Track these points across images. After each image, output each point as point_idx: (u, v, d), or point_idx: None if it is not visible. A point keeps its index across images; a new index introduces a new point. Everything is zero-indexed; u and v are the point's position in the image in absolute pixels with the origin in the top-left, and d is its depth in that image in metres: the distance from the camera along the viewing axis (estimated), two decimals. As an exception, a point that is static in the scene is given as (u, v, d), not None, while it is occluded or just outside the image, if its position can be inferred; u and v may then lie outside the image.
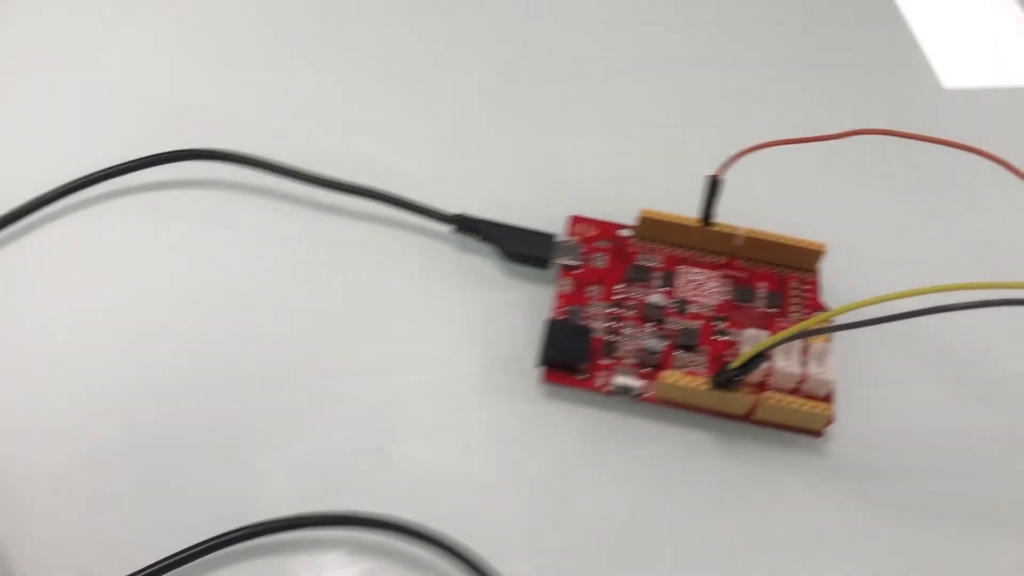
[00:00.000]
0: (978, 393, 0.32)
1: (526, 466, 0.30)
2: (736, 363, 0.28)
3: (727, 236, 0.34)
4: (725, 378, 0.29)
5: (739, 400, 0.30)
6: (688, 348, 0.32)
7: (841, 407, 0.31)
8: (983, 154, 0.28)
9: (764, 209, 0.36)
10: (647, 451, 0.30)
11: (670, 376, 0.30)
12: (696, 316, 0.33)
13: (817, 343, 0.31)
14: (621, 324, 0.32)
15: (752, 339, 0.31)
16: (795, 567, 0.29)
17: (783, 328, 0.32)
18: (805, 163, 0.38)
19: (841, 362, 0.32)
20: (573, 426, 0.31)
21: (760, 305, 0.33)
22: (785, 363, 0.31)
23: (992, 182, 0.30)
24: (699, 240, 0.34)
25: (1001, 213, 0.38)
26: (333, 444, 0.30)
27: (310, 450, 0.30)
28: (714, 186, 0.32)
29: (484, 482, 0.30)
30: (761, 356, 0.28)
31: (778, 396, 0.30)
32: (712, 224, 0.34)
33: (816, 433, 0.30)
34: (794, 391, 0.31)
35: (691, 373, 0.31)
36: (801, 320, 0.33)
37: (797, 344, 0.31)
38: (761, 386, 0.31)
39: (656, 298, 0.32)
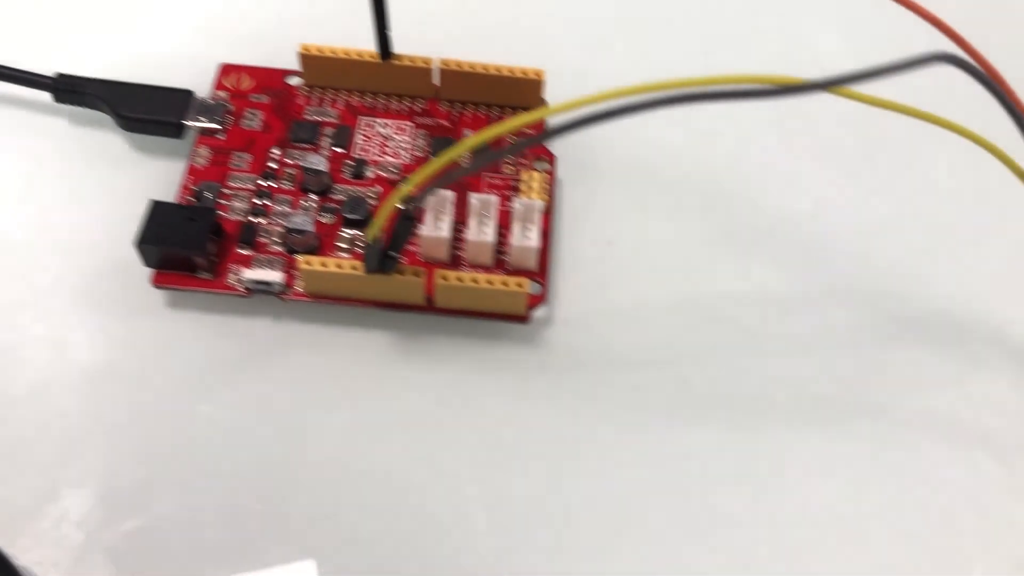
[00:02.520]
0: (742, 250, 0.25)
1: (142, 401, 0.22)
2: (370, 232, 0.20)
3: (419, 72, 0.25)
4: (373, 256, 0.21)
5: (408, 285, 0.22)
6: (359, 223, 0.24)
7: (564, 281, 0.24)
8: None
9: (467, 32, 0.28)
10: (304, 362, 0.23)
11: (310, 262, 0.22)
12: (376, 181, 0.25)
13: (527, 200, 0.23)
14: (271, 201, 0.24)
15: (435, 203, 0.23)
16: (500, 483, 0.22)
17: (495, 189, 0.25)
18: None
19: (566, 222, 0.25)
20: (202, 342, 0.23)
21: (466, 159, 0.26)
22: (478, 230, 0.23)
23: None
24: (385, 81, 0.26)
25: None
26: None
27: None
28: (378, 4, 0.24)
29: (83, 424, 0.22)
30: (408, 219, 0.20)
31: (457, 275, 0.22)
32: (394, 57, 0.25)
33: (521, 318, 0.23)
34: (496, 266, 0.24)
35: (357, 256, 0.24)
36: (523, 178, 0.25)
37: (493, 203, 0.23)
38: (454, 263, 0.24)
39: (316, 160, 0.24)
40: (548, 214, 0.25)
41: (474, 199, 0.24)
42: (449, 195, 0.24)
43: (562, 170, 0.26)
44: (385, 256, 0.21)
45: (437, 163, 0.18)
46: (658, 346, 0.24)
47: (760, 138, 0.27)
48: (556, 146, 0.26)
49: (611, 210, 0.26)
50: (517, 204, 0.23)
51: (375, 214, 0.21)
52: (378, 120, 0.26)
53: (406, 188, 0.19)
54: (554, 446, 0.22)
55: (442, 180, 0.20)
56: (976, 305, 0.25)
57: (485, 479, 0.22)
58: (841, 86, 0.17)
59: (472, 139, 0.18)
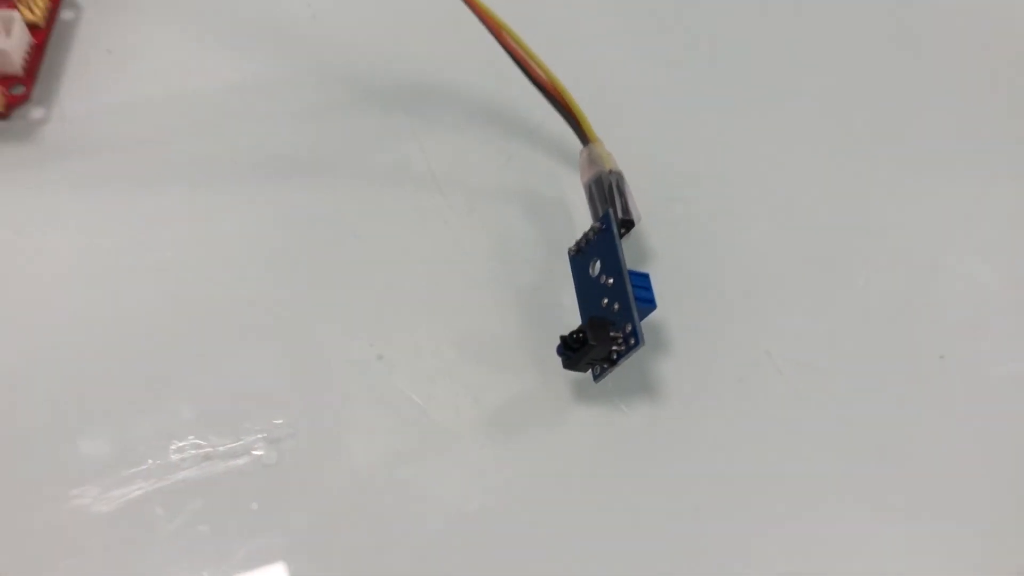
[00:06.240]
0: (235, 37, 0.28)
1: None
2: None
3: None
4: None
5: None
6: None
7: (70, 86, 0.27)
8: None
9: None
10: None
11: None
12: None
13: (6, 11, 0.26)
14: None
15: None
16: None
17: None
18: None
19: (77, 40, 0.28)
20: None
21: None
22: None
23: None
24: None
25: None
26: None
27: None
28: None
29: None
30: None
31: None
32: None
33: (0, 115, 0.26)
34: None
35: None
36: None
37: None
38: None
39: None
40: (45, 31, 0.27)
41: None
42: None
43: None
44: None
45: None
46: (149, 134, 0.26)
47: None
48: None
49: (129, 31, 0.28)
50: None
51: None
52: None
53: None
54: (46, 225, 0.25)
55: None
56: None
57: None
58: None
59: None
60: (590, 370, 0.23)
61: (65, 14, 0.29)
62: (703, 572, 0.21)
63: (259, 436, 0.22)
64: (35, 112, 0.27)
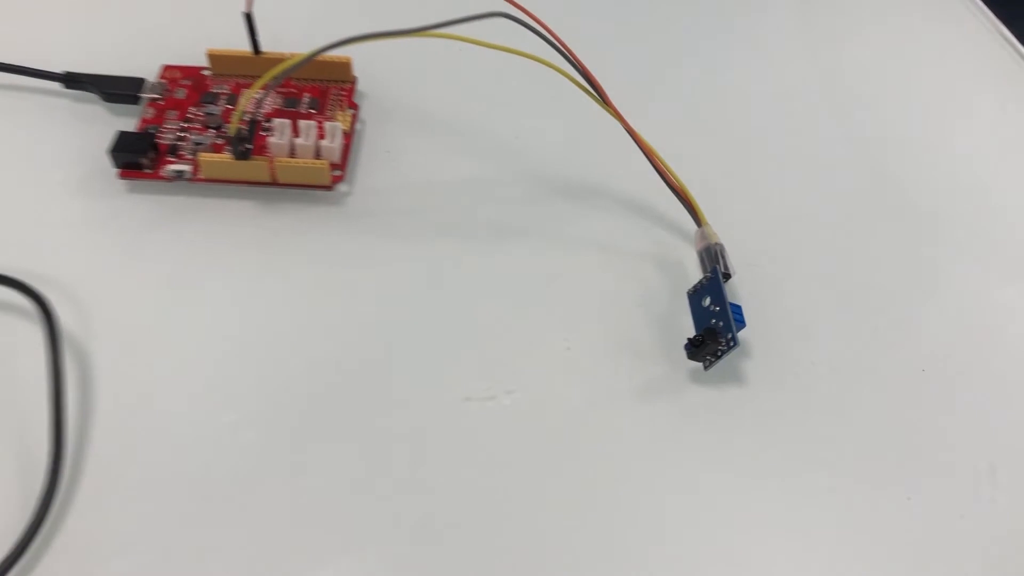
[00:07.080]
0: (466, 147, 0.42)
1: (110, 245, 0.38)
2: (231, 130, 0.38)
3: (278, 61, 0.43)
4: (236, 148, 0.39)
5: (258, 167, 0.39)
6: (241, 140, 0.40)
7: (362, 172, 0.41)
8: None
9: (307, 35, 0.40)
10: (206, 220, 0.39)
11: (205, 156, 0.40)
12: (249, 122, 0.42)
13: (332, 124, 0.40)
14: (188, 133, 0.42)
15: (278, 126, 0.40)
16: (320, 286, 0.38)
17: (322, 121, 0.42)
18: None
19: (365, 143, 0.42)
20: (148, 209, 0.40)
21: (303, 109, 0.43)
22: (303, 139, 0.40)
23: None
24: (259, 68, 0.44)
25: None
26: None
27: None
28: (248, 20, 0.42)
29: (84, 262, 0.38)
30: (253, 122, 0.38)
31: (285, 159, 0.40)
32: (262, 52, 0.43)
33: (327, 187, 0.40)
34: (316, 159, 0.40)
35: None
36: (337, 116, 0.42)
37: (312, 125, 0.40)
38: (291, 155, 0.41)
39: (213, 108, 0.42)
40: (349, 135, 0.42)
41: (302, 124, 0.41)
42: (287, 122, 0.41)
43: (370, 117, 0.44)
44: (243, 149, 0.39)
45: (260, 82, 0.36)
46: (410, 205, 0.41)
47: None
48: (365, 105, 0.44)
49: (398, 139, 0.44)
50: (327, 125, 0.42)
51: (230, 118, 0.38)
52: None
53: (247, 97, 0.37)
54: (357, 263, 0.39)
55: (269, 85, 0.38)
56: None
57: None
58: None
59: (275, 70, 0.36)
60: (703, 362, 0.37)
61: (358, 125, 0.44)
62: (766, 485, 0.34)
63: (501, 390, 0.36)
64: (343, 187, 0.42)
